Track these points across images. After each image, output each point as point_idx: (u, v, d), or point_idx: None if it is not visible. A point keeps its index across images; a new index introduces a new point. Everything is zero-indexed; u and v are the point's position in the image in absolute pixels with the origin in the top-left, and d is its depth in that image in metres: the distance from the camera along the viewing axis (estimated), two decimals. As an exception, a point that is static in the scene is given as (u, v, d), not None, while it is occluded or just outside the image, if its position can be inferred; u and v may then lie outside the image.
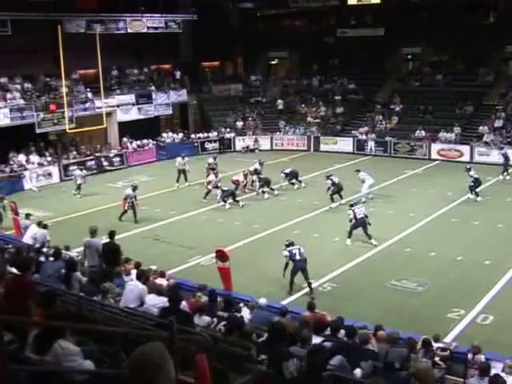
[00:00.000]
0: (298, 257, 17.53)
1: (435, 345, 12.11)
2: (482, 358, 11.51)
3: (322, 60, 48.92)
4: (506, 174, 32.24)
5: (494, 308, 16.52)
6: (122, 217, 25.70)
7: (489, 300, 17.13)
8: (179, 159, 32.47)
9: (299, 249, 17.70)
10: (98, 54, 36.71)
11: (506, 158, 32.81)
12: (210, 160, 32.94)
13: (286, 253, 17.75)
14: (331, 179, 27.63)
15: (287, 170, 31.68)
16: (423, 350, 11.43)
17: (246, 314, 12.47)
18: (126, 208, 25.83)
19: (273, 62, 52.49)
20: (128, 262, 14.53)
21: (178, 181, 32.14)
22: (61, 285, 11.29)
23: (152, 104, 42.83)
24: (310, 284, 17.69)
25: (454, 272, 19.36)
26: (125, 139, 40.20)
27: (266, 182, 30.21)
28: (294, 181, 31.51)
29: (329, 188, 27.61)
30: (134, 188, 26.09)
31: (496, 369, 10.87)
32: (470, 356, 11.70)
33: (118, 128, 41.01)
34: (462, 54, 43.51)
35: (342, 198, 27.59)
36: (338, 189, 27.52)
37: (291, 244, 17.94)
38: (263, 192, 29.91)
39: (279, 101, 47.50)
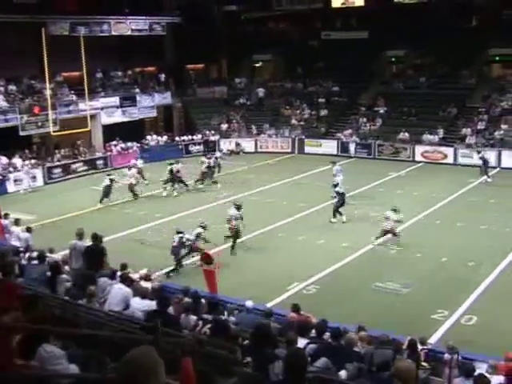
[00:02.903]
0: (175, 243, 19.87)
1: (421, 347, 12.17)
2: (455, 357, 11.65)
3: (306, 63, 48.98)
4: (486, 176, 32.45)
5: (477, 309, 16.64)
6: (234, 242, 22.26)
7: (473, 301, 17.26)
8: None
9: (181, 237, 19.96)
10: (83, 56, 36.60)
11: (485, 160, 33.14)
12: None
13: (175, 238, 20.06)
14: (337, 191, 25.69)
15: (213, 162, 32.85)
16: (409, 351, 11.48)
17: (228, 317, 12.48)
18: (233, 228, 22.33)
19: (257, 65, 52.51)
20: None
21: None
22: (45, 288, 11.24)
23: (136, 106, 42.72)
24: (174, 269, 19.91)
25: (439, 273, 19.48)
26: (114, 142, 40.11)
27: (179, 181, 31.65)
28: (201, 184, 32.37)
29: (334, 197, 25.89)
30: (238, 207, 22.55)
31: (480, 369, 10.96)
32: (446, 356, 11.81)
33: (103, 131, 40.88)
34: (445, 57, 43.71)
35: (341, 214, 25.28)
36: (342, 201, 25.52)
37: (180, 232, 20.19)
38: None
39: (259, 89, 47.99)
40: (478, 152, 34.58)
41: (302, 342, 9.75)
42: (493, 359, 11.20)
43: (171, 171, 31.23)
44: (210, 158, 33.28)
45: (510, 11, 42.85)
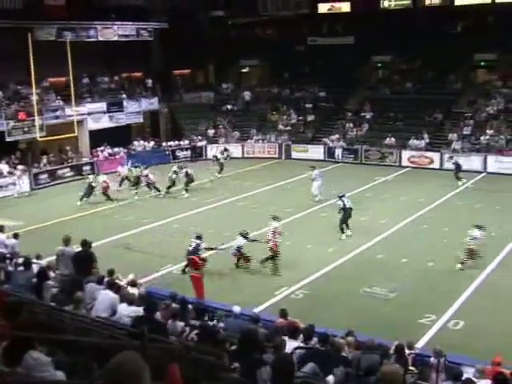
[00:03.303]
0: (190, 248, 18.76)
1: (408, 351, 12.19)
2: (441, 361, 11.69)
3: (293, 68, 49.10)
4: (458, 180, 32.94)
5: (464, 313, 16.70)
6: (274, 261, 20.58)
7: (459, 305, 17.32)
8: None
9: (199, 244, 18.84)
10: (69, 61, 36.52)
11: (457, 165, 33.60)
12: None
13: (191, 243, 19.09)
14: (343, 201, 24.20)
15: (190, 170, 32.64)
16: (396, 355, 11.50)
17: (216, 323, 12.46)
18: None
19: (244, 70, 52.55)
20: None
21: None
22: (32, 294, 11.18)
23: (123, 112, 42.65)
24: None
25: (426, 278, 19.53)
26: (101, 148, 40.01)
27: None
28: (187, 187, 32.31)
29: (340, 210, 24.29)
30: (275, 218, 21.46)
31: (467, 374, 11.00)
32: (432, 360, 11.85)
33: (89, 136, 40.76)
34: (430, 63, 43.99)
35: (348, 227, 24.02)
36: (348, 215, 24.02)
37: (199, 237, 19.12)
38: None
39: (246, 92, 48.10)
40: (451, 157, 35.11)
41: (292, 345, 9.76)
42: (480, 363, 11.24)
43: (138, 177, 32.32)
44: (181, 168, 33.14)
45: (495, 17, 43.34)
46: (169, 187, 32.26)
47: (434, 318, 16.36)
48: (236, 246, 20.25)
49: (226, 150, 42.67)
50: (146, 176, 32.16)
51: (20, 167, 34.88)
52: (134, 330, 7.43)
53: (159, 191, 32.08)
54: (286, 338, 10.09)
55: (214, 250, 20.00)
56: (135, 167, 32.81)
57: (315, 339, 10.65)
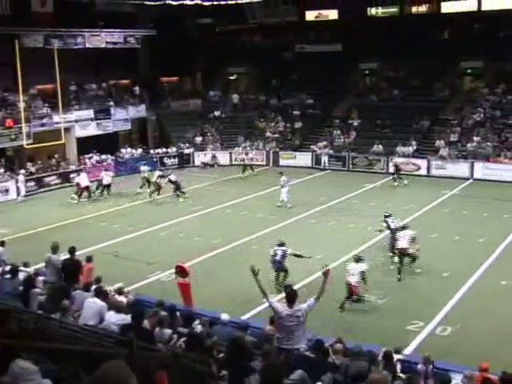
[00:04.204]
0: (278, 257, 18.60)
1: (396, 356, 12.21)
2: (430, 368, 11.73)
3: (280, 75, 49.23)
4: (398, 181, 35.11)
5: (452, 319, 16.75)
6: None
7: (447, 312, 17.37)
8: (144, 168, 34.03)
9: (284, 250, 18.69)
10: (56, 69, 36.46)
11: (397, 168, 35.61)
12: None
13: (271, 251, 18.75)
14: (386, 221, 22.64)
15: (172, 177, 32.91)
16: (384, 362, 11.51)
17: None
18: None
19: (232, 78, 52.61)
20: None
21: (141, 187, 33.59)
22: (19, 302, 11.13)
23: (111, 119, 42.59)
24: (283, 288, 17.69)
25: (413, 284, 19.58)
26: (89, 155, 39.90)
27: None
28: (178, 192, 32.62)
29: (380, 231, 23.30)
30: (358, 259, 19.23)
31: (455, 380, 11.02)
32: (420, 366, 11.87)
33: (77, 143, 40.64)
34: (418, 70, 44.22)
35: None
36: (392, 238, 21.95)
37: (281, 244, 18.89)
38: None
39: (234, 95, 48.48)
40: (391, 159, 36.98)
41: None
42: (468, 370, 11.27)
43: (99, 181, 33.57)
44: (162, 177, 33.49)
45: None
46: (153, 191, 32.78)
47: (422, 325, 16.40)
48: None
49: (214, 157, 42.79)
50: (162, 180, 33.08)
51: (22, 171, 35.00)
52: (122, 338, 7.41)
53: (184, 193, 32.78)
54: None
55: (300, 258, 19.19)
56: (150, 171, 33.85)
57: (303, 346, 10.64)
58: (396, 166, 35.99)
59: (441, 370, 12.00)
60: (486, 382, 10.26)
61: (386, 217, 22.69)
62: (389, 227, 22.46)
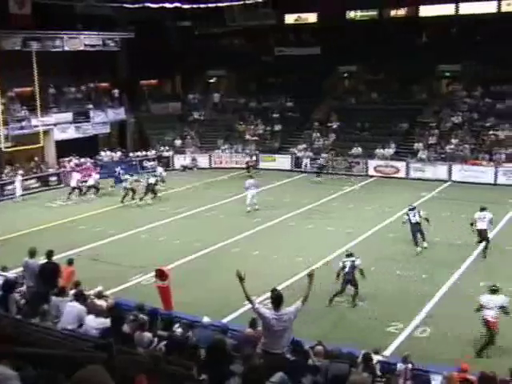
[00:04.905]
0: (347, 269, 18.14)
1: (375, 358, 12.26)
2: (409, 367, 11.80)
3: (260, 78, 49.35)
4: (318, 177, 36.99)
5: (431, 321, 16.85)
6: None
7: (426, 313, 17.48)
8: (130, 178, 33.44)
9: (353, 261, 18.22)
10: (35, 71, 36.23)
11: (321, 165, 38.09)
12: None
13: (340, 263, 18.46)
14: (408, 215, 23.35)
15: (152, 180, 33.17)
16: (363, 364, 11.56)
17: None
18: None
19: (211, 81, 52.61)
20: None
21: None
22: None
23: (90, 122, 42.42)
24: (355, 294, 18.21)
25: (393, 286, 19.66)
26: (68, 158, 39.67)
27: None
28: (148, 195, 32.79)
29: (405, 223, 23.59)
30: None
31: (435, 381, 11.09)
32: (399, 366, 11.94)
33: (56, 147, 40.40)
34: (396, 73, 44.47)
35: (424, 239, 23.31)
36: (416, 229, 23.14)
37: (350, 255, 18.58)
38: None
39: (215, 94, 48.65)
40: (315, 159, 39.11)
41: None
42: (447, 370, 11.35)
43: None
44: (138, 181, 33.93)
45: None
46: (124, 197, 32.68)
47: (401, 326, 16.48)
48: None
49: (194, 159, 42.76)
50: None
51: (20, 172, 35.33)
52: (102, 342, 7.37)
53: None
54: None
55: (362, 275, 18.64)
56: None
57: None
58: (321, 165, 38.60)
59: (420, 370, 12.09)
60: (465, 382, 10.34)
61: (409, 210, 23.48)
62: (410, 221, 23.16)
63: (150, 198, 32.52)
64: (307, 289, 10.34)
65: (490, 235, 23.06)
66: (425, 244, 23.35)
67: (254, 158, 42.35)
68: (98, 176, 35.47)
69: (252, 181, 30.59)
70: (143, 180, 33.41)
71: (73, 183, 34.37)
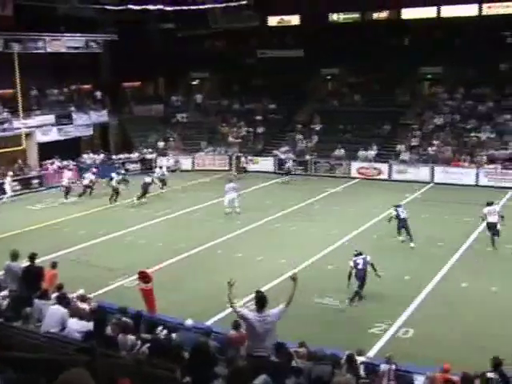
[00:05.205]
0: (360, 266, 18.37)
1: (359, 359, 12.31)
2: (392, 368, 11.86)
3: (243, 80, 49.31)
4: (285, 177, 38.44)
5: (414, 322, 16.94)
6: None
7: (409, 314, 17.56)
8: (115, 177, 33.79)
9: (364, 258, 18.49)
10: (17, 73, 36.05)
11: (282, 162, 39.24)
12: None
13: (351, 263, 18.50)
14: (397, 211, 24.34)
15: (148, 179, 33.40)
16: (347, 365, 11.59)
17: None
18: None
19: (194, 83, 52.56)
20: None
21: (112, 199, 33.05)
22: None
23: (72, 124, 42.22)
24: (357, 293, 18.48)
25: (376, 288, 19.67)
26: (51, 160, 39.47)
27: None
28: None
29: (391, 220, 24.54)
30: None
31: (418, 381, 11.15)
32: (383, 366, 11.99)
33: (38, 149, 40.18)
34: (379, 75, 44.66)
35: (412, 239, 24.00)
36: (402, 225, 24.16)
37: (359, 254, 18.70)
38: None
39: (198, 95, 48.98)
40: (285, 162, 40.07)
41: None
42: (430, 371, 11.41)
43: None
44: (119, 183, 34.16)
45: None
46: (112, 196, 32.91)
47: (385, 327, 16.56)
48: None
49: (177, 161, 42.69)
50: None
51: (10, 173, 35.38)
52: (84, 345, 7.36)
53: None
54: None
55: (374, 271, 18.80)
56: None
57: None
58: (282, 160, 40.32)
59: (403, 371, 12.14)
60: (448, 382, 10.40)
61: (396, 207, 24.52)
62: (398, 216, 24.04)
63: (137, 196, 32.48)
64: (291, 291, 10.32)
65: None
66: (412, 244, 23.70)
67: (245, 159, 42.70)
68: (93, 176, 35.17)
69: (232, 184, 30.53)
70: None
71: (64, 182, 34.40)
